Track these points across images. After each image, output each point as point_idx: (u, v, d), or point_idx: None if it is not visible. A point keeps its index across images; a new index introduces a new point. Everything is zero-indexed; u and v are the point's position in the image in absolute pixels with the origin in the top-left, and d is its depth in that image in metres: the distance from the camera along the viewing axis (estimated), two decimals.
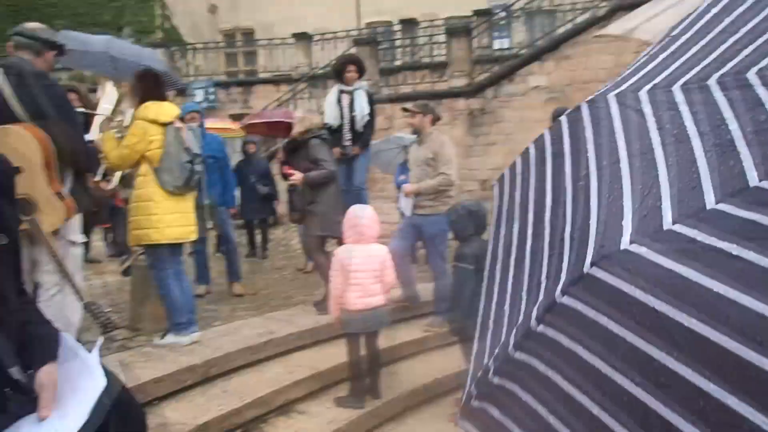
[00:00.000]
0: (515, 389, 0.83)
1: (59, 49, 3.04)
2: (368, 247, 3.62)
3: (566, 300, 0.70)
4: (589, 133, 0.83)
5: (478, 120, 10.80)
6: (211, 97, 13.79)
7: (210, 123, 7.75)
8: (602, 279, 0.67)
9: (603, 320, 0.67)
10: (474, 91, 10.89)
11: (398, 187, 6.87)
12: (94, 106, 4.09)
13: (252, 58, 16.99)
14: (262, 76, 15.02)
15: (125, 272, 4.68)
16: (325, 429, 3.43)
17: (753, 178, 0.62)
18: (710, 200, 0.63)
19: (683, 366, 0.60)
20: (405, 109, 4.93)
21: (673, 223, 0.64)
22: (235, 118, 10.99)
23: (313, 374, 3.85)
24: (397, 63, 13.92)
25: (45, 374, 0.91)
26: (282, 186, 7.70)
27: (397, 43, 14.58)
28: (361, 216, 3.65)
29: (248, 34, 20.08)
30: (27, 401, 0.90)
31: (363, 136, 5.73)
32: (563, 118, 0.91)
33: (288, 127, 5.51)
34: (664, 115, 0.75)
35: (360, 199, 5.63)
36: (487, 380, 0.86)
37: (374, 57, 12.41)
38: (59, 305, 2.94)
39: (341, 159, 5.52)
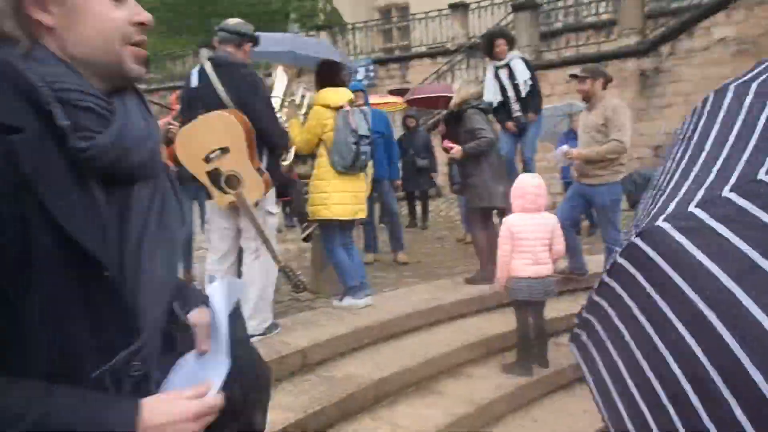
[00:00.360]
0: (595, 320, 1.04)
1: (255, 41, 3.43)
2: (537, 215, 3.60)
3: (621, 260, 0.88)
4: (702, 121, 0.93)
5: (650, 81, 9.92)
6: (371, 74, 14.28)
7: (372, 99, 8.11)
8: (642, 248, 0.82)
9: (640, 279, 0.84)
10: (646, 49, 10.01)
11: None
12: (269, 90, 4.55)
13: (407, 32, 17.24)
14: (418, 50, 15.19)
15: (305, 239, 5.16)
16: (493, 393, 3.52)
17: (762, 171, 0.71)
18: (727, 189, 0.74)
19: (680, 323, 0.74)
20: (573, 76, 4.73)
21: (696, 206, 0.76)
22: (394, 93, 11.31)
23: (481, 340, 3.96)
24: (558, 25, 13.19)
25: (198, 314, 1.00)
26: (442, 158, 7.86)
27: (559, 4, 13.78)
28: (530, 185, 3.64)
29: (403, 9, 20.38)
30: (186, 338, 0.99)
31: (532, 102, 5.65)
32: (697, 105, 1.01)
33: (448, 100, 5.60)
34: (756, 107, 0.82)
35: (527, 169, 5.58)
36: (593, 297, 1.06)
37: (534, 21, 11.91)
38: (260, 267, 3.38)
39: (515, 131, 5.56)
